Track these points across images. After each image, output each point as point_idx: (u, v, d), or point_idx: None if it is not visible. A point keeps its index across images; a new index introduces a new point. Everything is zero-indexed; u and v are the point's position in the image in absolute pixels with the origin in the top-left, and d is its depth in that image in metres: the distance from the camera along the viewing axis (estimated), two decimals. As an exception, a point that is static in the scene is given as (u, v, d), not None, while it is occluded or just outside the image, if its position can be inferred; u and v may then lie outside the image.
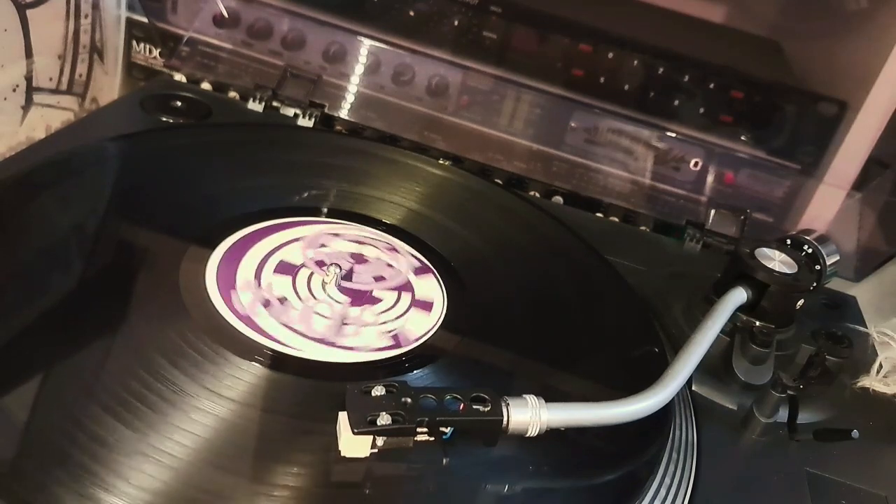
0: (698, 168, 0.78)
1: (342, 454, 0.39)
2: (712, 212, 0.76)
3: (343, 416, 0.39)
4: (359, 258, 0.57)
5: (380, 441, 0.39)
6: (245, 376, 0.44)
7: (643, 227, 0.78)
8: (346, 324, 0.51)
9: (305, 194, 0.63)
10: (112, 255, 0.53)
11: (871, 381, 0.59)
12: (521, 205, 0.70)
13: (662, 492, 0.45)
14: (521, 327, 0.55)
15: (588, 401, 0.44)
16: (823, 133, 0.75)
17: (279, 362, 0.46)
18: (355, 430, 0.39)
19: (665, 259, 0.71)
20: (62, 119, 0.75)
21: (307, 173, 0.67)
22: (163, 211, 0.58)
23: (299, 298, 0.52)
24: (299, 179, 0.65)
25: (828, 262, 0.64)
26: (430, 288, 0.56)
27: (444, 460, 0.41)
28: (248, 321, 0.49)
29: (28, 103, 0.69)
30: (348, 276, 0.55)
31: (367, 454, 0.40)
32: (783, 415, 0.53)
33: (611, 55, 0.76)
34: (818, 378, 0.55)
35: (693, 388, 0.55)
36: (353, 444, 0.39)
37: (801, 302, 0.59)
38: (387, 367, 0.48)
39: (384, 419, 0.39)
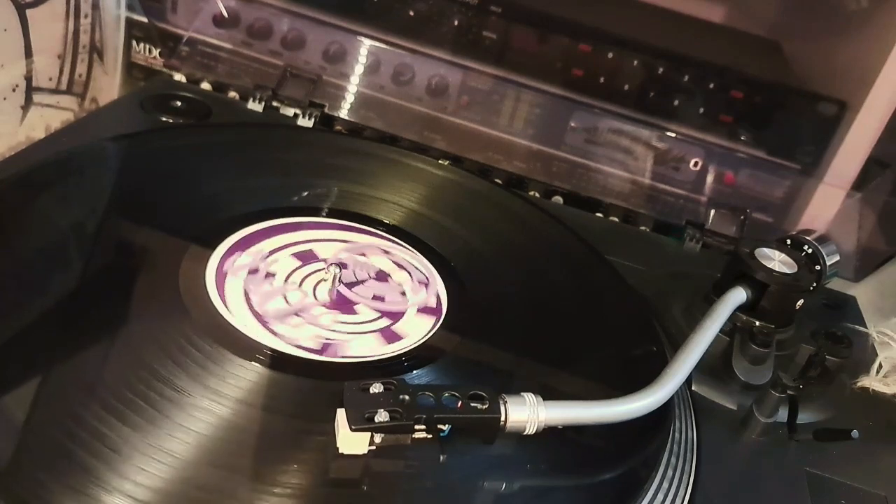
0: (698, 168, 0.78)
1: (340, 451, 0.39)
2: (712, 212, 0.76)
3: (341, 413, 0.39)
4: (382, 276, 0.57)
5: (377, 438, 0.39)
6: (245, 376, 0.44)
7: (643, 227, 0.78)
8: (297, 314, 0.51)
9: (305, 193, 0.63)
10: (112, 254, 0.53)
11: (871, 381, 0.59)
12: (521, 205, 0.70)
13: (662, 491, 0.45)
14: (520, 327, 0.55)
15: (587, 400, 0.44)
16: (823, 133, 0.75)
17: (279, 362, 0.46)
18: (353, 427, 0.39)
19: (665, 259, 0.71)
20: (62, 119, 0.75)
21: (307, 173, 0.67)
22: (163, 211, 0.58)
23: (285, 281, 0.53)
24: (299, 179, 0.65)
25: (828, 262, 0.64)
26: (415, 326, 0.53)
27: (442, 458, 0.41)
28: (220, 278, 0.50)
29: (28, 103, 0.69)
30: (353, 284, 0.55)
31: (365, 451, 0.39)
32: (783, 415, 0.52)
33: (611, 55, 0.76)
34: (818, 378, 0.55)
35: (693, 387, 0.55)
36: (351, 441, 0.39)
37: (800, 302, 0.59)
38: (387, 367, 0.48)
39: (382, 416, 0.39)
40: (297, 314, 0.51)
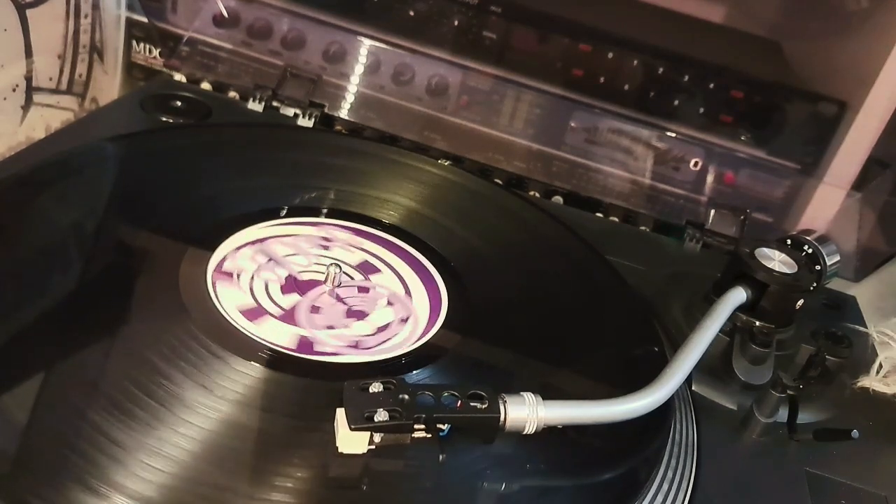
0: (698, 168, 0.78)
1: (339, 450, 0.39)
2: (712, 212, 0.76)
3: (340, 413, 0.39)
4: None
5: (377, 437, 0.39)
6: (245, 376, 0.44)
7: (643, 227, 0.78)
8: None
9: (307, 196, 0.63)
10: (112, 255, 0.53)
11: (871, 381, 0.59)
12: (521, 205, 0.70)
13: (662, 491, 0.45)
14: (521, 327, 0.55)
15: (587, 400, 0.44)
16: (823, 133, 0.75)
17: (279, 362, 0.46)
18: (352, 427, 0.39)
19: (665, 259, 0.71)
20: (62, 119, 0.75)
21: (307, 173, 0.67)
22: (163, 211, 0.58)
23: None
24: (299, 179, 0.65)
25: (828, 263, 0.64)
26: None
27: (441, 457, 0.41)
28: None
29: (28, 103, 0.69)
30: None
31: (365, 450, 0.39)
32: (783, 415, 0.53)
33: (611, 55, 0.76)
34: (818, 378, 0.55)
35: (693, 387, 0.55)
36: (351, 441, 0.39)
37: (800, 302, 0.59)
38: (387, 367, 0.48)
39: (381, 415, 0.39)
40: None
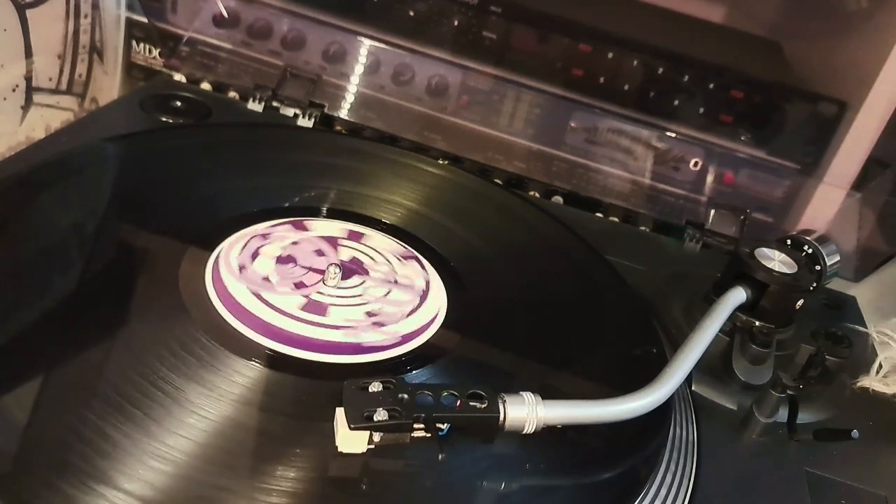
0: (698, 168, 0.78)
1: (339, 450, 0.39)
2: (712, 212, 0.76)
3: (340, 412, 0.39)
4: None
5: (376, 437, 0.39)
6: (245, 376, 0.44)
7: (643, 227, 0.78)
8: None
9: (308, 194, 0.63)
10: (112, 255, 0.53)
11: (871, 381, 0.59)
12: (521, 205, 0.70)
13: (662, 491, 0.45)
14: (520, 327, 0.55)
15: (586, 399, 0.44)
16: (823, 133, 0.75)
17: (279, 362, 0.46)
18: (352, 426, 0.39)
19: (665, 259, 0.71)
20: (62, 119, 0.75)
21: (307, 173, 0.67)
22: (163, 211, 0.58)
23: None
24: (299, 179, 0.65)
25: (828, 263, 0.64)
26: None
27: (441, 456, 0.41)
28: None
29: (28, 103, 0.69)
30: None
31: (364, 450, 0.40)
32: (783, 415, 0.52)
33: (611, 55, 0.76)
34: (818, 378, 0.55)
35: (693, 387, 0.55)
36: (350, 440, 0.39)
37: (800, 302, 0.59)
38: (387, 367, 0.48)
39: (381, 415, 0.39)
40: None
